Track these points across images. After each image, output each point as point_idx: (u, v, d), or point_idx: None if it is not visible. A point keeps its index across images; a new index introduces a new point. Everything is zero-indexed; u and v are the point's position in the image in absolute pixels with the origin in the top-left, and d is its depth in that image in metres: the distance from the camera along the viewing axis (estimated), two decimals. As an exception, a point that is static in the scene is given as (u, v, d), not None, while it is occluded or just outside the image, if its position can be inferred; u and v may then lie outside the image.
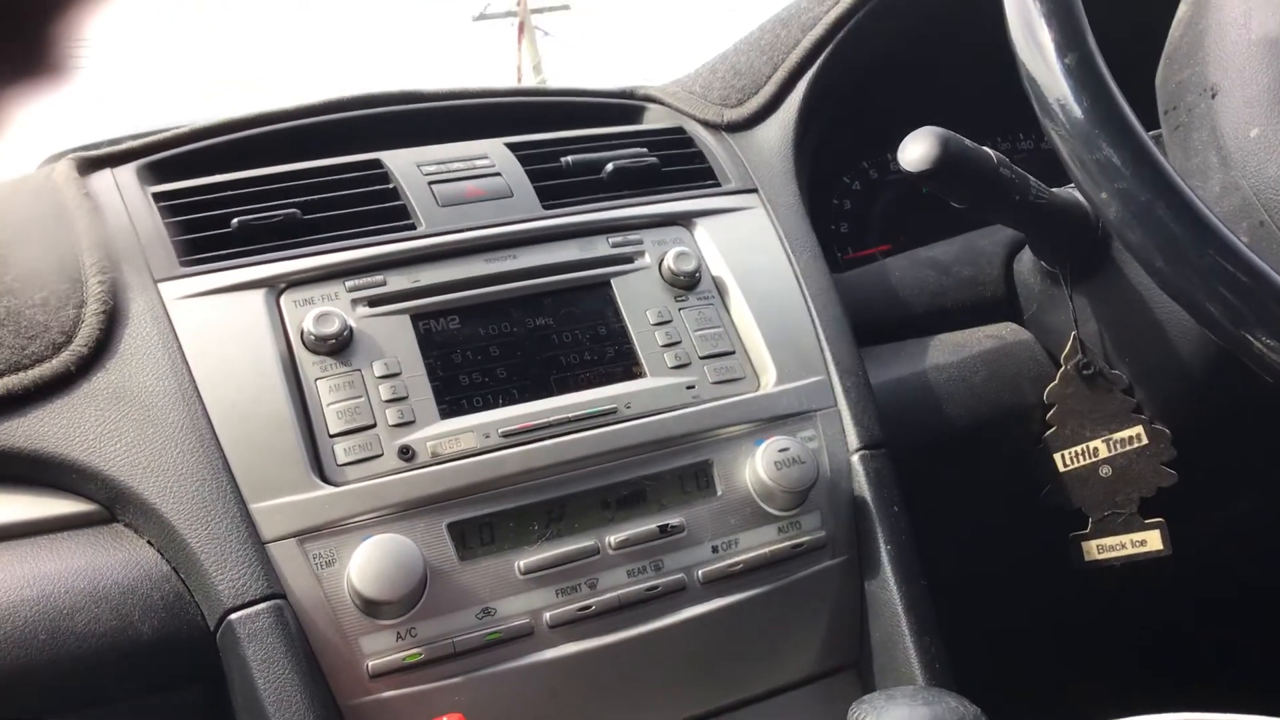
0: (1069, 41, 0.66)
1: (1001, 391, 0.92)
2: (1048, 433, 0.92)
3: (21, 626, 0.67)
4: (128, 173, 0.88)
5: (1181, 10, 0.84)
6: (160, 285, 0.78)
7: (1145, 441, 0.89)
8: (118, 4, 0.25)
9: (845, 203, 1.21)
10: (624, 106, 1.07)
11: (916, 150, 0.79)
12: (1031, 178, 0.85)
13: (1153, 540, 0.90)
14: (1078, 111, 0.66)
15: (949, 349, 0.94)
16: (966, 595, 0.86)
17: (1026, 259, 0.97)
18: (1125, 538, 0.91)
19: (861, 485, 0.82)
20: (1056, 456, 0.92)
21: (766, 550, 0.79)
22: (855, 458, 0.83)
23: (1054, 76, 0.67)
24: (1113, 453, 0.90)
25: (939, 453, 0.90)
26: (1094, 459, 0.91)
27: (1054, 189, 0.87)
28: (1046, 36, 0.67)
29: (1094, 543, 0.92)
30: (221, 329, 0.77)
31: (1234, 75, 0.77)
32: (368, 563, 0.69)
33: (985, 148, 0.82)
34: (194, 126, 0.94)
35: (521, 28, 17.75)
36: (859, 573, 0.82)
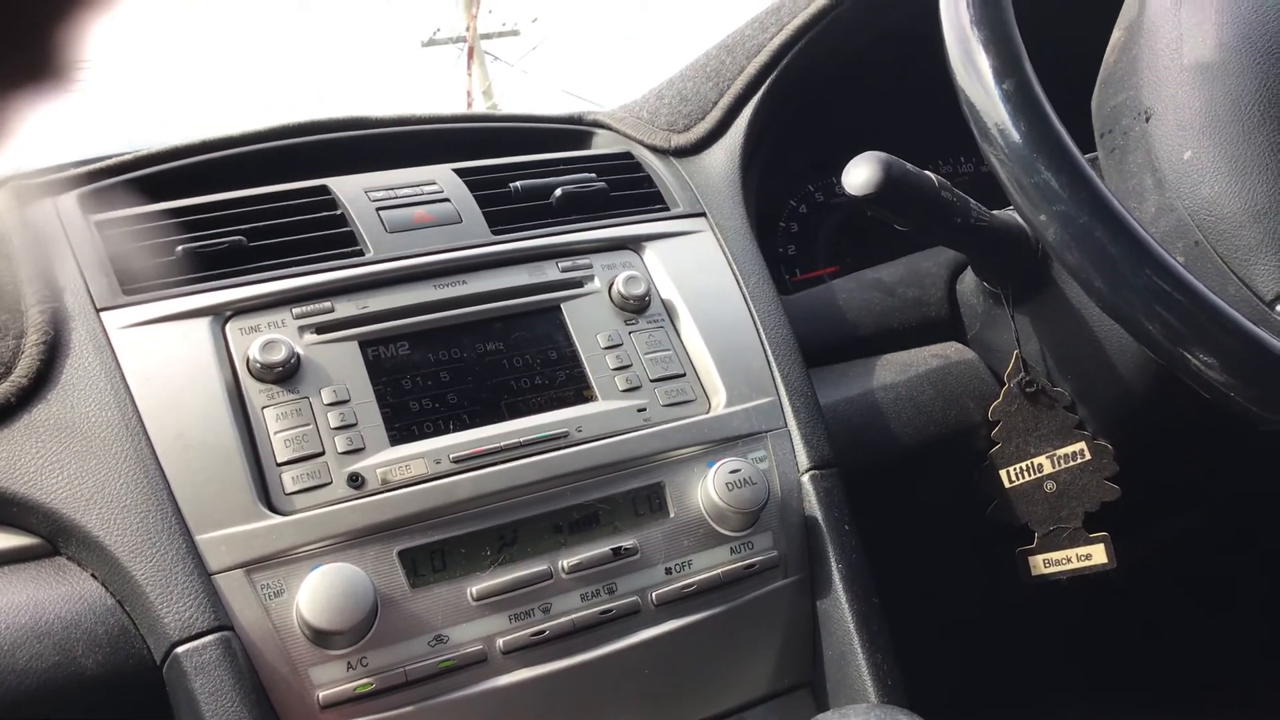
0: (1006, 68, 0.68)
1: (947, 409, 0.94)
2: (993, 449, 0.94)
3: None
4: (69, 200, 0.86)
5: (1116, 36, 0.87)
6: (103, 314, 0.77)
7: (1088, 457, 0.91)
8: (119, 7, 0.25)
9: (792, 225, 1.22)
10: (572, 132, 1.08)
11: (859, 175, 0.80)
12: (972, 200, 0.86)
13: (1098, 554, 0.92)
14: (1015, 136, 0.67)
15: (896, 369, 0.95)
16: (916, 611, 0.87)
17: (969, 280, 0.99)
18: (1070, 552, 0.93)
19: (812, 505, 0.83)
20: (1002, 473, 0.94)
21: (719, 571, 0.79)
22: (806, 477, 0.83)
23: (992, 102, 0.68)
24: (1057, 468, 0.92)
25: (888, 470, 0.91)
26: (1038, 475, 0.93)
27: (994, 211, 0.89)
28: (985, 63, 0.68)
29: (1040, 557, 0.94)
30: (166, 358, 0.76)
31: (1167, 99, 0.79)
32: (317, 592, 0.68)
33: (927, 172, 0.84)
34: (137, 154, 0.93)
35: (471, 53, 17.74)
36: (811, 592, 0.82)
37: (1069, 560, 0.93)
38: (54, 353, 0.75)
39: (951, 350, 0.98)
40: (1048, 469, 0.92)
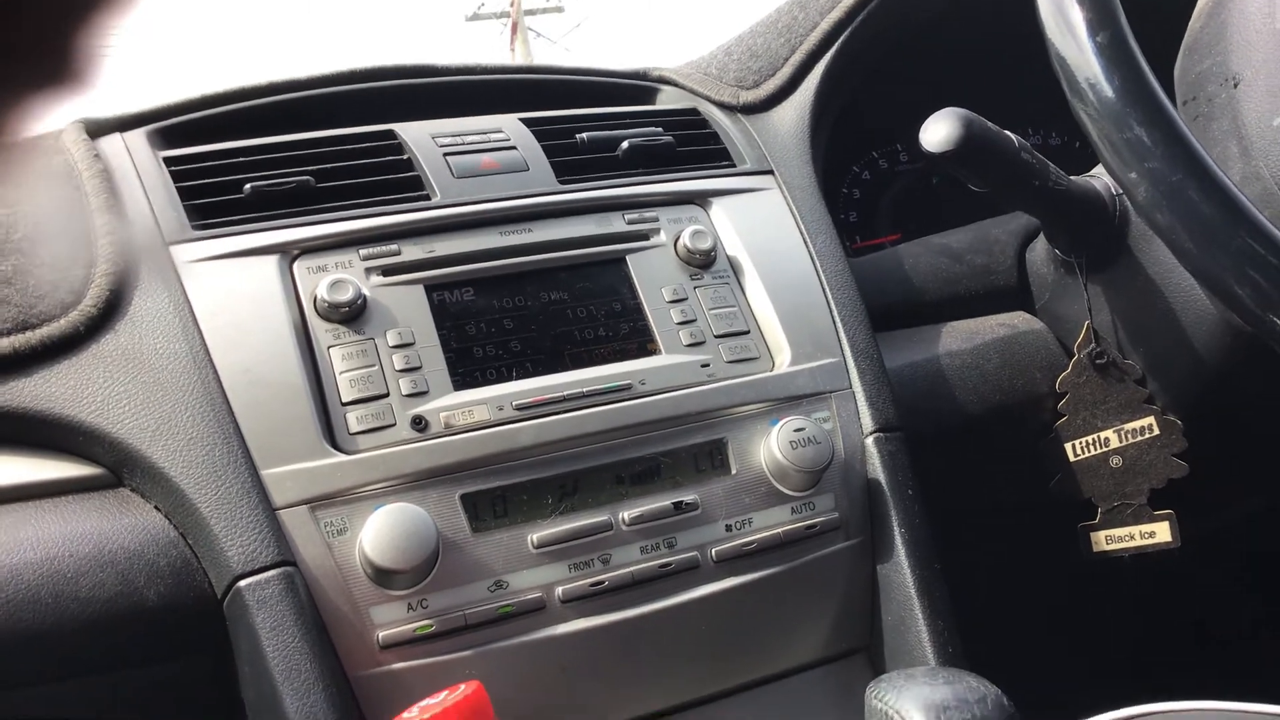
0: (1101, 20, 0.66)
1: (1014, 379, 0.92)
2: (1059, 422, 0.92)
3: (24, 590, 0.66)
4: (138, 137, 0.86)
5: (1202, 3, 0.84)
6: (172, 248, 0.77)
7: (1157, 432, 0.89)
8: (138, 8, 0.25)
9: (855, 192, 1.20)
10: (637, 87, 1.06)
11: (940, 131, 0.79)
12: (1051, 164, 0.84)
13: (1162, 532, 0.90)
14: (1108, 91, 0.65)
15: (962, 336, 0.94)
16: (974, 581, 0.86)
17: (1040, 248, 0.97)
18: (1134, 529, 0.91)
19: (876, 468, 0.82)
20: (1067, 446, 0.92)
21: (780, 530, 0.78)
22: (870, 440, 0.82)
23: (1085, 56, 0.66)
24: (1124, 443, 0.90)
25: (950, 438, 0.90)
26: (1105, 449, 0.91)
27: (1072, 177, 0.87)
28: (1078, 15, 0.66)
29: (1103, 533, 0.92)
30: (234, 293, 0.75)
31: (1257, 65, 0.77)
32: (381, 531, 0.68)
33: (1006, 132, 0.82)
34: (205, 94, 0.93)
35: (515, 28, 17.73)
36: (872, 555, 0.81)
37: (1132, 537, 0.91)
38: (123, 283, 0.75)
39: (1019, 320, 0.96)
40: (1114, 443, 0.90)
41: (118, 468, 0.73)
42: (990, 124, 0.80)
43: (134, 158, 0.83)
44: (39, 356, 0.73)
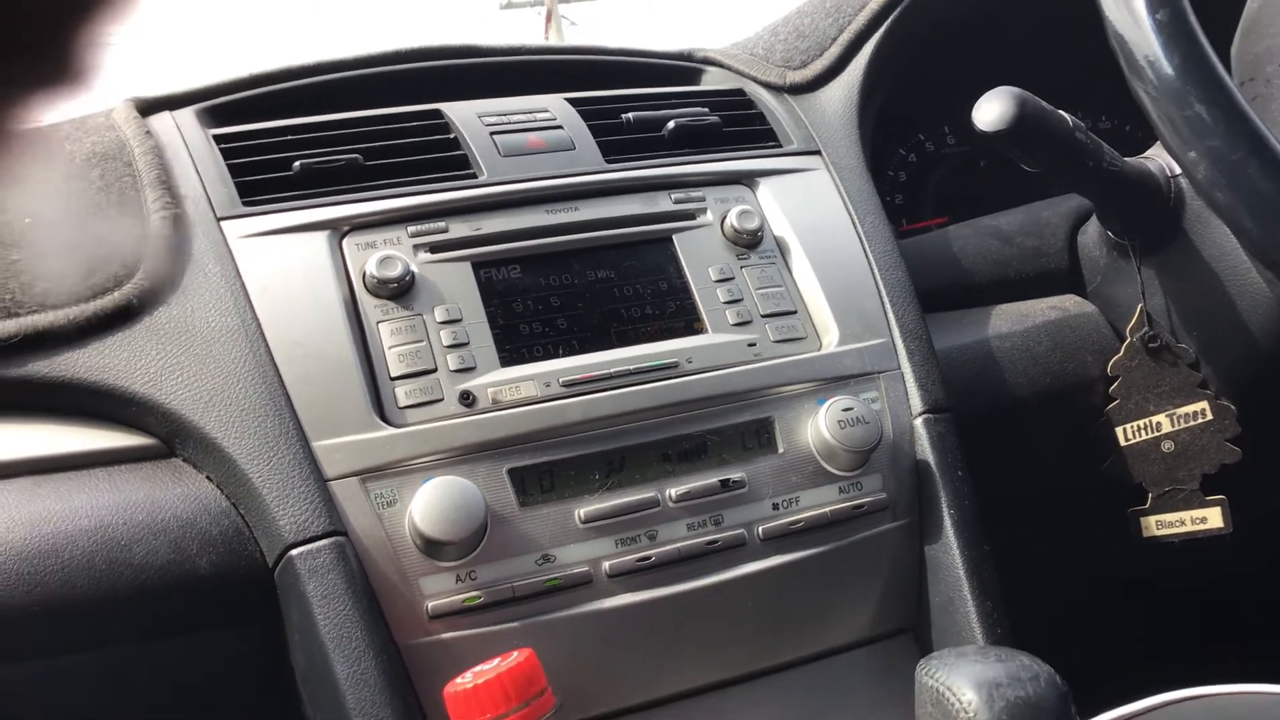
0: None
1: (1065, 362, 0.91)
2: (1110, 405, 0.91)
3: (79, 556, 0.67)
4: (187, 115, 0.87)
5: (1260, -20, 0.83)
6: (223, 223, 0.78)
7: (1210, 417, 0.88)
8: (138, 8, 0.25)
9: (900, 175, 1.19)
10: (682, 68, 1.06)
11: (994, 110, 0.78)
12: (1105, 145, 0.83)
13: (1213, 518, 0.89)
14: (1168, 68, 0.65)
15: (1012, 319, 0.93)
16: (1021, 563, 0.85)
17: (1091, 231, 0.95)
18: (1185, 514, 0.90)
19: (925, 449, 0.81)
20: (1118, 430, 0.91)
21: (827, 510, 0.78)
22: (919, 421, 0.82)
23: (1144, 33, 0.66)
24: (1176, 428, 0.89)
25: (1000, 420, 0.89)
26: (1157, 433, 0.90)
27: (1126, 159, 0.86)
28: None
29: (1153, 518, 0.91)
30: (284, 268, 0.76)
31: None
32: (431, 503, 0.68)
33: (1061, 111, 0.81)
34: (253, 73, 0.93)
35: (549, 17, 17.74)
36: (920, 536, 0.81)
37: (1183, 523, 0.90)
38: (176, 258, 0.76)
39: (1070, 303, 0.95)
40: (1166, 428, 0.89)
41: (170, 438, 0.74)
42: (1045, 103, 0.79)
43: (184, 135, 0.84)
44: (93, 329, 0.74)
